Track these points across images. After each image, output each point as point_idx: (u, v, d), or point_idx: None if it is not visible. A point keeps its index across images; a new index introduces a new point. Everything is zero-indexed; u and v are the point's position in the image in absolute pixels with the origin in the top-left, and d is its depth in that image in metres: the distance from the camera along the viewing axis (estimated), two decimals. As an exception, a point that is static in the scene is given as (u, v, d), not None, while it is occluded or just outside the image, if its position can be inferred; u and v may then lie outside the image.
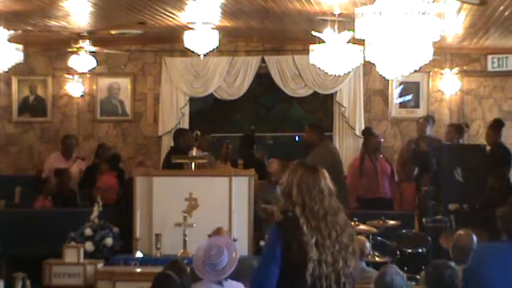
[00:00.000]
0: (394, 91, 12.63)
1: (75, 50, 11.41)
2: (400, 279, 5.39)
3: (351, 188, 10.51)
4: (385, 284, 5.36)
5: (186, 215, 8.58)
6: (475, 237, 6.39)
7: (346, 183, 10.54)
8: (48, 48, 12.87)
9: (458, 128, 11.33)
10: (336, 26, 9.21)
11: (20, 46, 9.17)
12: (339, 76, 11.08)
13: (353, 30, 6.05)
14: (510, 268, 4.69)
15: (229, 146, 11.16)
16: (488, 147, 10.47)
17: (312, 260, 4.16)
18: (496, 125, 10.66)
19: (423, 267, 7.89)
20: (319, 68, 9.95)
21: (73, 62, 11.58)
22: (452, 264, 5.62)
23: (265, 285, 4.25)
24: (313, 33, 9.22)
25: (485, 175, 9.65)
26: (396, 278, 5.41)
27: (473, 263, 4.86)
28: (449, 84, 12.50)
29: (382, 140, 11.23)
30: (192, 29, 10.05)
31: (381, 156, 11.00)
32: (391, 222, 8.94)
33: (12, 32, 9.10)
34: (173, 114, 12.70)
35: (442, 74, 12.49)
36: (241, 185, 8.87)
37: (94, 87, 13.06)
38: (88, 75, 12.74)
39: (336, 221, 4.27)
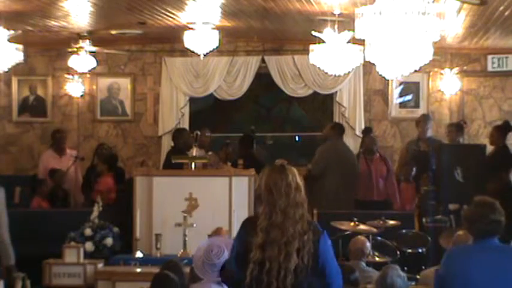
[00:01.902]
0: (394, 91, 12.62)
1: (75, 50, 11.41)
2: (400, 282, 5.39)
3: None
4: (385, 286, 5.37)
5: (186, 215, 8.58)
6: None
7: (352, 181, 10.58)
8: (48, 48, 12.86)
9: (458, 126, 11.34)
10: (336, 26, 9.21)
11: (20, 46, 9.17)
12: (339, 76, 11.09)
13: (353, 30, 6.05)
14: (479, 268, 4.69)
15: (230, 146, 11.16)
16: (489, 148, 10.46)
17: (252, 260, 4.28)
18: (504, 128, 10.59)
19: (423, 267, 7.91)
20: (319, 68, 9.95)
21: (73, 62, 11.58)
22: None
23: (233, 279, 4.48)
24: (313, 33, 9.22)
25: (485, 174, 9.66)
26: (397, 280, 5.41)
27: (444, 267, 4.83)
28: (449, 84, 12.50)
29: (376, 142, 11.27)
30: (192, 29, 10.06)
31: (377, 156, 11.00)
32: (391, 222, 8.95)
33: (12, 32, 9.10)
34: (173, 114, 12.70)
35: (442, 74, 12.49)
36: (241, 185, 8.87)
37: (94, 87, 13.06)
38: (88, 75, 12.73)
39: (294, 214, 4.34)
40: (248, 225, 4.45)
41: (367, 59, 6.22)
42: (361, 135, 11.87)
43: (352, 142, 12.33)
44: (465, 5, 8.50)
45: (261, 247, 4.29)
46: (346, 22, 8.96)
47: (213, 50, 10.35)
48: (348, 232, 8.51)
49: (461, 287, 4.70)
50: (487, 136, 11.51)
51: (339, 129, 11.13)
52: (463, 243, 6.32)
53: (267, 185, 4.39)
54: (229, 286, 4.71)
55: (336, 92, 12.50)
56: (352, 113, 12.46)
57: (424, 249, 8.93)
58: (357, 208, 10.34)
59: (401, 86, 12.60)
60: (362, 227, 8.48)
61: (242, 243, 4.40)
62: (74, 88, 12.94)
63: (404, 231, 9.19)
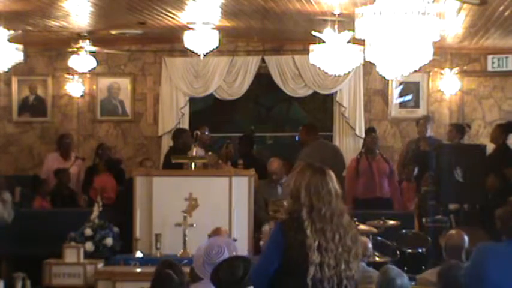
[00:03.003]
0: (394, 91, 12.63)
1: (75, 50, 11.41)
2: (405, 281, 5.39)
3: (348, 189, 10.51)
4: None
5: (186, 215, 8.58)
6: (466, 237, 6.42)
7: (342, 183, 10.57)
8: (48, 48, 12.87)
9: (460, 128, 11.35)
10: (336, 26, 9.21)
11: (20, 46, 9.17)
12: (339, 76, 11.08)
13: (353, 30, 6.04)
14: (510, 268, 4.72)
15: (230, 146, 11.17)
16: (489, 148, 10.47)
17: (314, 263, 4.15)
18: (507, 127, 10.60)
19: (423, 267, 7.91)
20: (319, 68, 9.94)
21: (73, 62, 11.58)
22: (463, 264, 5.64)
23: (263, 283, 4.30)
24: (313, 33, 9.22)
25: (485, 174, 9.66)
26: (403, 280, 5.41)
27: (475, 261, 4.88)
28: (449, 84, 12.50)
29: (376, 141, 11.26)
30: (192, 29, 10.05)
31: (379, 156, 11.01)
32: (391, 222, 8.95)
33: (12, 32, 9.10)
34: (173, 114, 12.70)
35: (442, 74, 12.49)
36: (241, 185, 8.87)
37: (94, 87, 13.06)
38: (88, 75, 12.74)
39: (341, 222, 4.25)
40: (290, 227, 4.28)
41: (367, 59, 6.22)
42: (361, 135, 11.87)
43: (352, 142, 12.35)
44: (465, 5, 8.50)
45: (318, 250, 4.17)
46: (346, 22, 8.95)
47: (213, 50, 10.35)
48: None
49: (493, 284, 4.72)
50: (487, 136, 11.53)
51: (311, 129, 11.13)
52: (455, 242, 6.38)
53: (307, 189, 4.24)
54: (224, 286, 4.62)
55: (336, 92, 12.51)
56: (352, 113, 12.46)
57: (424, 249, 8.94)
58: (356, 206, 10.32)
59: (401, 86, 12.61)
60: (362, 227, 8.47)
61: (291, 244, 4.22)
62: (74, 88, 12.95)
63: (404, 231, 9.19)
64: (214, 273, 4.65)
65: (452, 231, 6.67)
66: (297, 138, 13.31)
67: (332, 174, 4.33)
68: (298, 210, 4.26)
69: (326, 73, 10.36)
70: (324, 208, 4.22)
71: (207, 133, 11.26)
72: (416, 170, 10.88)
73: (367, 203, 10.47)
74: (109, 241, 9.01)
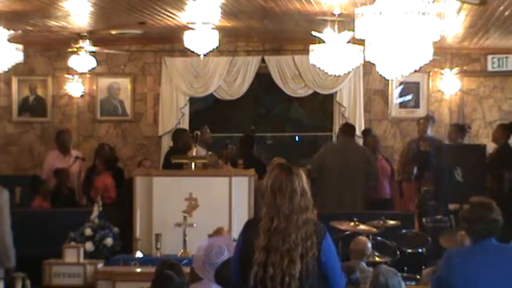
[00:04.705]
0: (394, 91, 12.63)
1: (75, 50, 11.41)
2: (395, 281, 5.38)
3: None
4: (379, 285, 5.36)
5: (186, 215, 8.58)
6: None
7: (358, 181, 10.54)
8: (48, 48, 12.87)
9: (461, 128, 11.34)
10: (336, 26, 9.21)
11: (20, 46, 9.17)
12: (339, 76, 11.08)
13: (353, 30, 6.05)
14: (480, 269, 4.69)
15: (230, 146, 11.16)
16: (489, 148, 10.46)
17: (257, 262, 4.21)
18: (509, 127, 10.59)
19: (423, 267, 7.91)
20: (319, 68, 9.95)
21: (73, 62, 11.58)
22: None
23: (230, 281, 4.43)
24: (313, 33, 9.22)
25: (486, 174, 9.66)
26: (393, 280, 5.41)
27: (444, 268, 4.83)
28: (449, 84, 12.51)
29: (379, 141, 11.26)
30: (192, 29, 10.06)
31: (380, 156, 11.01)
32: (391, 222, 8.94)
33: (12, 32, 9.10)
34: (173, 114, 12.70)
35: (442, 74, 12.49)
36: (241, 185, 8.86)
37: (94, 87, 13.06)
38: (88, 75, 12.74)
39: (297, 220, 4.23)
40: (250, 227, 4.37)
41: (367, 59, 6.22)
42: (361, 136, 11.87)
43: (352, 142, 12.34)
44: (465, 5, 8.50)
45: (264, 249, 4.21)
46: (346, 22, 8.96)
47: (213, 50, 10.35)
48: (348, 232, 8.50)
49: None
50: (487, 136, 11.53)
51: (345, 128, 11.06)
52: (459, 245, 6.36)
53: (272, 187, 4.26)
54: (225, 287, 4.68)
55: (336, 92, 12.51)
56: (352, 113, 12.46)
57: (424, 249, 8.92)
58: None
59: (401, 86, 12.61)
60: (362, 227, 8.47)
61: (245, 245, 4.32)
62: (74, 88, 12.95)
63: (404, 231, 9.17)
64: (218, 273, 4.66)
65: (463, 232, 6.64)
66: (296, 138, 13.36)
67: (301, 172, 4.35)
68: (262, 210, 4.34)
69: (326, 73, 10.37)
70: (285, 205, 4.23)
71: (208, 132, 11.26)
72: (415, 169, 10.87)
73: (369, 203, 10.47)
74: (109, 241, 9.00)
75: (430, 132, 11.44)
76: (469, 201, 4.92)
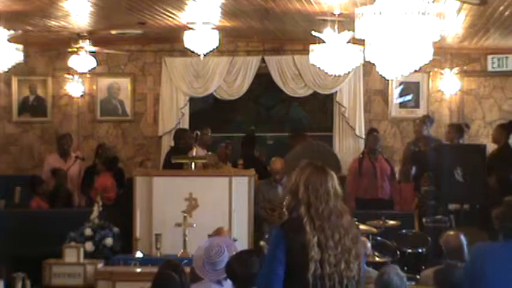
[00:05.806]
0: (394, 91, 12.62)
1: (75, 50, 11.42)
2: (397, 280, 5.40)
3: (350, 189, 10.51)
4: (382, 283, 5.37)
5: (186, 215, 8.59)
6: (463, 237, 6.43)
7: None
8: (48, 48, 12.87)
9: (458, 128, 11.33)
10: (336, 26, 9.21)
11: (20, 46, 9.17)
12: (339, 76, 11.07)
13: (353, 30, 6.04)
14: (507, 268, 4.73)
15: (229, 146, 11.16)
16: (489, 148, 10.46)
17: (313, 259, 4.14)
18: (509, 127, 10.59)
19: (423, 267, 7.91)
20: (319, 68, 9.94)
21: (73, 62, 11.58)
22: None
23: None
24: (313, 33, 9.22)
25: (486, 174, 9.65)
26: (394, 278, 5.42)
27: (472, 261, 4.90)
28: (449, 84, 12.50)
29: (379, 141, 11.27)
30: (192, 29, 10.05)
31: (381, 156, 11.01)
32: (391, 222, 8.95)
33: (12, 32, 9.09)
34: (173, 114, 12.70)
35: (442, 74, 12.49)
36: (241, 185, 8.88)
37: (94, 87, 13.06)
38: (88, 75, 12.74)
39: (340, 222, 4.23)
40: (287, 228, 4.27)
41: (367, 59, 6.21)
42: (361, 136, 11.86)
43: (352, 142, 12.35)
44: (465, 5, 8.50)
45: (318, 246, 4.16)
46: (346, 22, 8.95)
47: (213, 50, 10.35)
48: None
49: (490, 284, 4.73)
50: (487, 136, 11.52)
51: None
52: (452, 244, 6.40)
53: (306, 185, 4.24)
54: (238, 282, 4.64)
55: (336, 92, 12.50)
56: (352, 113, 12.46)
57: (424, 249, 8.93)
58: (357, 207, 10.32)
59: (401, 86, 12.60)
60: (362, 227, 8.47)
61: (290, 242, 4.20)
62: (74, 88, 12.95)
63: (404, 231, 9.19)
64: (229, 268, 4.66)
65: (449, 233, 6.68)
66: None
67: (333, 174, 4.32)
68: (296, 209, 4.26)
69: (326, 73, 10.35)
70: (322, 207, 4.21)
71: (209, 134, 11.26)
72: (413, 169, 10.87)
73: (368, 203, 10.47)
74: (109, 241, 9.01)
75: (427, 132, 11.43)
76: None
